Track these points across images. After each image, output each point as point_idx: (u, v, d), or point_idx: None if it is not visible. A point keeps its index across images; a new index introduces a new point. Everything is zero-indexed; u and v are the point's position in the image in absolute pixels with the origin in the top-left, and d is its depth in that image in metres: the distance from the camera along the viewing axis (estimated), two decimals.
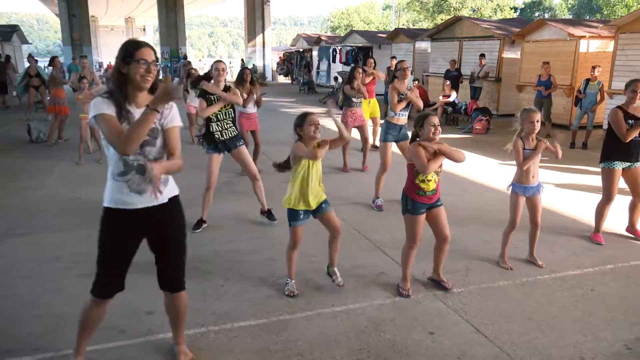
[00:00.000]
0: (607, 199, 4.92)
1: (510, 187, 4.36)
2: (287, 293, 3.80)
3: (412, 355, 3.10)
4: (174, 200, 2.77)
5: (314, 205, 3.72)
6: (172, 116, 2.66)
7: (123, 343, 3.19)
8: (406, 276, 3.91)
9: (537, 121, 4.15)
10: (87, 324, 2.82)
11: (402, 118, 6.01)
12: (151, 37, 61.04)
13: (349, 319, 3.51)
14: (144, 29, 58.11)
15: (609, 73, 11.24)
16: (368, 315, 3.56)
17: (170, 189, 2.74)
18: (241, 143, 5.40)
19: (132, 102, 2.55)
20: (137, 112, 2.53)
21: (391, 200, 6.28)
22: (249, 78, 7.54)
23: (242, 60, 33.26)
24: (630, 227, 5.12)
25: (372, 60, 9.57)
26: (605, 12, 35.95)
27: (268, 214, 5.51)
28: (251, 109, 7.68)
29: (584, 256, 4.65)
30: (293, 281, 3.87)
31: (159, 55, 35.11)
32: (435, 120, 3.65)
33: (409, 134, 6.05)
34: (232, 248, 4.81)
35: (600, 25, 12.43)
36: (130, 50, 2.49)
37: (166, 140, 2.64)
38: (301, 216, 3.72)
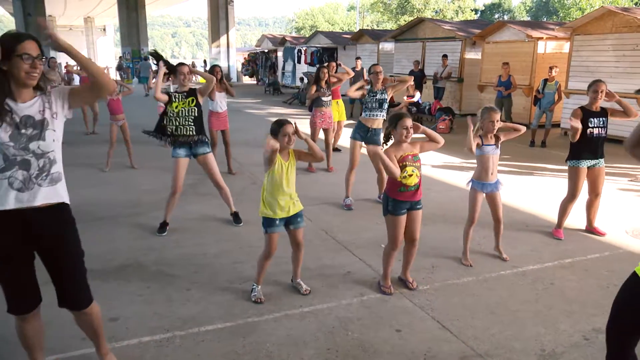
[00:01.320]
0: (571, 196, 5.07)
1: (470, 184, 4.47)
2: (253, 300, 3.76)
3: (380, 354, 3.13)
4: (60, 207, 2.50)
5: (287, 210, 3.67)
6: (59, 93, 2.48)
7: (86, 351, 3.10)
8: (387, 274, 3.95)
9: (497, 121, 4.26)
10: (28, 342, 2.66)
11: (370, 119, 6.00)
12: (112, 37, 59.73)
13: (317, 319, 3.52)
14: (104, 29, 56.77)
15: (566, 73, 11.61)
16: (336, 315, 3.58)
17: (54, 193, 2.48)
18: (208, 150, 5.27)
19: (15, 98, 2.35)
20: (22, 108, 2.37)
21: (359, 199, 6.32)
22: (219, 75, 7.47)
23: (205, 61, 32.89)
24: (589, 225, 5.30)
25: (334, 64, 9.61)
26: (561, 15, 37.12)
27: (235, 217, 5.47)
28: (221, 107, 7.62)
29: (544, 251, 4.80)
30: (260, 287, 3.83)
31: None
32: (409, 122, 3.67)
33: (380, 139, 6.13)
34: (198, 251, 4.75)
35: (557, 27, 12.84)
36: (11, 44, 2.26)
37: (83, 92, 2.54)
38: (277, 222, 3.67)
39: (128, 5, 29.79)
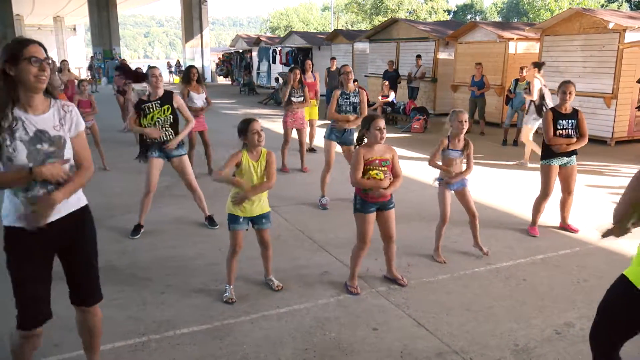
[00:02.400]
0: (544, 194, 5.17)
1: (436, 182, 4.54)
2: (225, 300, 3.74)
3: (357, 352, 3.14)
4: (80, 210, 2.53)
5: (251, 211, 3.67)
6: (75, 121, 2.43)
7: (58, 357, 3.04)
8: (354, 274, 3.96)
9: (465, 121, 4.32)
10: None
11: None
12: (82, 37, 58.55)
13: (294, 319, 3.51)
14: (74, 29, 55.58)
15: None
16: (313, 315, 3.58)
17: (75, 201, 2.50)
18: (183, 152, 5.20)
19: (26, 108, 2.29)
20: (34, 119, 2.29)
21: (334, 199, 6.34)
22: (195, 77, 7.39)
23: (178, 61, 32.54)
24: (563, 222, 5.42)
25: (309, 62, 9.63)
26: (531, 16, 37.87)
27: (209, 220, 5.41)
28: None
29: (517, 248, 4.89)
30: (232, 287, 3.82)
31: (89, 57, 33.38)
32: (382, 123, 3.68)
33: (354, 138, 6.19)
34: (173, 253, 4.69)
35: (527, 28, 13.10)
36: (17, 48, 2.23)
37: (73, 149, 2.42)
38: (240, 220, 3.68)
39: (98, 4, 29.23)
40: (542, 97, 8.06)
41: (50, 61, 2.36)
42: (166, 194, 6.59)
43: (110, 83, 24.47)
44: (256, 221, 3.75)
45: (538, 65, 8.51)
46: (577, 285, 4.08)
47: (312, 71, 9.64)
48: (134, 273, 4.24)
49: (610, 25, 10.15)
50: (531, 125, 8.39)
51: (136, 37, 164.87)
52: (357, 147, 3.85)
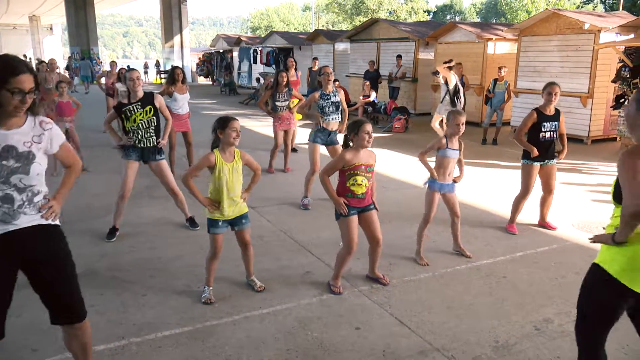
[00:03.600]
0: (524, 192, 5.23)
1: (427, 184, 4.53)
2: (203, 301, 3.72)
3: (340, 352, 3.15)
4: (46, 225, 2.43)
5: (230, 213, 3.65)
6: (52, 139, 2.41)
7: None
8: (338, 275, 3.96)
9: (463, 124, 4.32)
10: None
11: (332, 122, 6.10)
12: (59, 36, 57.62)
13: (277, 320, 3.51)
14: (51, 28, 54.60)
15: (514, 73, 12.02)
16: (295, 315, 3.57)
17: (40, 217, 2.42)
18: (161, 157, 5.10)
19: (1, 125, 2.27)
20: (4, 134, 2.25)
21: (317, 199, 6.34)
22: (180, 77, 7.31)
23: (157, 61, 32.23)
24: (542, 220, 5.50)
25: (292, 60, 9.61)
26: (509, 17, 38.40)
27: (190, 222, 5.36)
28: (183, 110, 7.46)
29: (497, 245, 4.95)
30: (211, 288, 3.79)
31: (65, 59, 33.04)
32: (369, 127, 3.68)
33: (339, 139, 6.23)
34: (153, 255, 4.64)
35: (505, 29, 13.27)
36: (4, 74, 2.16)
37: (59, 159, 2.53)
38: (220, 224, 3.66)
39: (75, 3, 28.81)
40: (456, 90, 9.22)
41: (36, 92, 2.30)
42: (145, 195, 6.52)
43: (81, 80, 24.68)
44: (235, 222, 3.73)
45: (449, 64, 9.30)
46: (555, 282, 4.15)
47: (295, 69, 9.61)
48: (114, 276, 4.19)
49: (586, 26, 10.34)
50: (442, 114, 9.18)
51: (115, 36, 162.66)
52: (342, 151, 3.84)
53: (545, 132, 5.04)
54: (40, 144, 2.36)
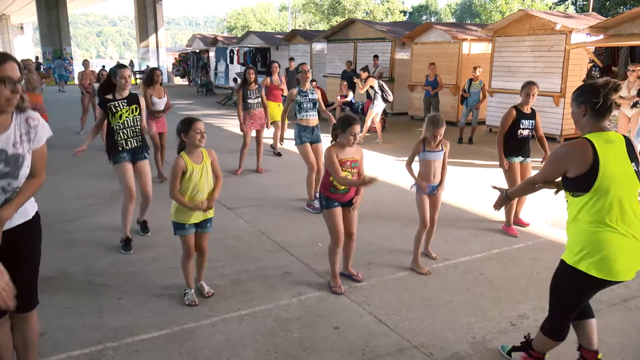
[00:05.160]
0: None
1: (414, 187, 4.45)
2: (187, 303, 3.68)
3: (319, 351, 3.15)
4: (29, 223, 2.40)
5: (197, 217, 3.60)
6: (39, 135, 2.32)
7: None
8: (335, 273, 3.97)
9: (440, 135, 4.26)
10: None
11: (311, 119, 6.10)
12: (30, 36, 56.36)
13: (256, 321, 3.49)
14: (22, 28, 53.43)
15: (489, 73, 12.20)
16: (275, 316, 3.56)
17: (22, 213, 2.35)
18: (147, 156, 4.99)
19: None
20: None
21: (295, 200, 6.34)
22: (160, 79, 7.19)
23: (131, 61, 31.79)
24: (515, 217, 5.58)
25: (276, 64, 9.52)
26: (483, 17, 38.96)
27: (142, 225, 5.20)
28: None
29: (473, 243, 5.01)
30: (192, 290, 3.76)
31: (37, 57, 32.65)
32: (357, 130, 3.71)
33: (321, 135, 6.26)
34: (129, 258, 4.57)
35: (479, 29, 13.45)
36: None
37: (32, 159, 2.32)
38: (187, 226, 3.61)
39: (47, 3, 28.24)
40: (383, 89, 10.54)
41: (23, 79, 2.24)
42: (120, 196, 6.41)
43: (60, 81, 24.28)
44: (201, 224, 3.67)
45: (368, 70, 11.20)
46: (530, 278, 4.23)
47: (278, 74, 9.52)
48: (89, 280, 4.11)
49: (558, 27, 10.55)
50: (376, 111, 10.69)
51: (88, 36, 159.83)
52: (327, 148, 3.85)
53: (523, 129, 5.16)
54: (29, 143, 2.28)
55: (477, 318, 3.56)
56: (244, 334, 3.32)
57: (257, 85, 7.71)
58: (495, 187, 3.15)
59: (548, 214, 5.92)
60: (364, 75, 10.89)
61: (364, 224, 5.44)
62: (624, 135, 2.64)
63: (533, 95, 5.07)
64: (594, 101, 2.53)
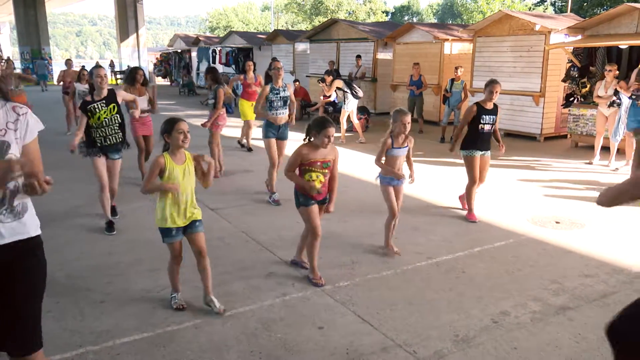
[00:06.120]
0: (472, 181, 5.59)
1: (378, 179, 4.68)
2: (175, 307, 3.62)
3: (303, 351, 3.15)
4: (26, 242, 2.16)
5: (182, 219, 3.48)
6: (30, 126, 2.15)
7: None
8: (314, 268, 4.04)
9: (408, 123, 4.44)
10: None
11: (280, 117, 6.16)
12: (8, 35, 55.31)
13: (239, 322, 3.48)
14: None
15: (470, 73, 12.31)
16: (258, 316, 3.55)
17: (21, 229, 2.14)
18: (119, 156, 5.29)
19: None
20: None
21: (278, 199, 6.32)
22: (142, 79, 7.08)
23: (112, 62, 31.42)
24: (467, 209, 5.74)
25: (250, 63, 9.55)
26: (465, 18, 39.31)
27: (108, 225, 5.21)
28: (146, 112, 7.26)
29: (456, 241, 5.06)
30: (179, 294, 3.69)
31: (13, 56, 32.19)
32: (332, 132, 3.76)
33: (288, 133, 6.33)
34: (111, 261, 4.52)
35: (461, 30, 13.58)
36: None
37: (25, 156, 2.12)
38: (173, 232, 3.48)
39: (25, 2, 27.78)
40: (351, 87, 10.76)
41: (3, 61, 2.14)
42: (96, 197, 6.32)
43: (42, 81, 24.05)
44: (189, 226, 3.53)
45: (332, 74, 11.78)
46: (511, 275, 4.28)
47: (253, 72, 9.55)
48: (71, 283, 4.05)
49: (537, 28, 10.70)
50: (350, 109, 10.87)
51: (67, 36, 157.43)
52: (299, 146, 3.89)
53: (484, 124, 5.46)
54: (16, 131, 2.09)
55: (459, 315, 3.59)
56: (227, 336, 3.31)
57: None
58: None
59: (529, 212, 6.00)
60: (329, 79, 11.33)
61: (348, 223, 5.46)
62: None
63: (496, 92, 5.39)
64: None
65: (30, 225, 2.21)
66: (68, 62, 12.78)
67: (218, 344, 3.21)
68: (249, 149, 9.66)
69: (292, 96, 6.40)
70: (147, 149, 7.30)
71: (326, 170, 3.82)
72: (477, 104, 5.50)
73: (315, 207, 3.93)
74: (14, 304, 2.14)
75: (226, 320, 3.49)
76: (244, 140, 9.89)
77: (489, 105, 5.46)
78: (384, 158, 4.59)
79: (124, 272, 4.29)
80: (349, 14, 46.50)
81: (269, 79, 6.32)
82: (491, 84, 5.40)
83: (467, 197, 5.67)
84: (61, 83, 12.21)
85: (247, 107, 9.15)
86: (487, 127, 5.46)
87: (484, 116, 5.42)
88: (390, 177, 4.57)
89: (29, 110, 2.20)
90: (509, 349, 3.18)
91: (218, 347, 3.17)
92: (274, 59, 15.33)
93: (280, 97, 6.12)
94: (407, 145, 4.58)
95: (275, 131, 6.20)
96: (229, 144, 9.51)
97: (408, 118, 4.47)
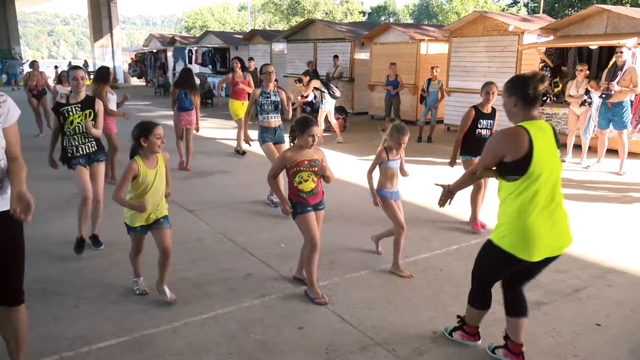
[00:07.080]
0: (477, 187, 5.31)
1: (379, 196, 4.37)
2: (137, 292, 3.66)
3: (283, 352, 3.14)
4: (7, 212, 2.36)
5: (148, 218, 3.55)
6: (10, 111, 2.39)
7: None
8: (313, 282, 3.80)
9: (404, 143, 4.27)
10: None
11: (272, 121, 6.07)
12: None
13: (218, 324, 3.45)
14: None
15: (446, 73, 12.45)
16: (237, 318, 3.53)
17: (5, 203, 2.42)
18: (102, 158, 4.82)
19: None
20: None
21: (257, 201, 6.30)
22: (112, 77, 7.00)
23: (85, 61, 30.87)
24: (473, 218, 5.60)
25: (236, 61, 9.53)
26: (440, 18, 39.76)
27: (94, 239, 4.83)
28: (114, 109, 7.13)
29: (433, 240, 5.11)
30: (142, 278, 3.75)
31: None
32: (316, 131, 3.66)
33: (286, 137, 6.24)
34: (86, 265, 4.44)
35: (436, 30, 13.72)
36: None
37: (6, 140, 2.39)
38: (138, 229, 3.57)
39: None
40: (329, 87, 10.93)
41: None
42: (74, 201, 6.21)
43: (9, 79, 23.90)
44: (155, 223, 3.58)
45: (309, 74, 12.05)
46: None
47: (241, 69, 9.53)
48: (43, 288, 3.97)
49: (510, 28, 10.88)
50: (327, 109, 10.94)
51: (39, 35, 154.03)
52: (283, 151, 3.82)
53: (481, 129, 5.22)
54: (0, 116, 2.32)
55: (437, 313, 3.63)
56: (206, 338, 3.28)
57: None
58: (437, 184, 3.30)
59: None
60: (306, 79, 11.57)
61: (327, 223, 5.45)
62: (550, 124, 2.85)
63: (493, 93, 5.15)
64: (524, 92, 2.74)
65: (7, 199, 2.46)
66: (33, 64, 11.95)
67: (197, 347, 3.18)
68: (243, 152, 9.42)
69: (285, 104, 6.24)
70: (114, 145, 7.23)
71: (316, 169, 3.71)
72: (474, 107, 5.23)
73: (312, 215, 3.73)
74: (5, 262, 2.48)
75: (205, 323, 3.46)
76: (238, 147, 9.68)
77: (487, 109, 5.23)
78: (378, 170, 4.38)
79: (100, 275, 4.21)
80: (326, 14, 46.57)
81: (260, 83, 6.22)
82: (487, 85, 5.17)
83: (471, 205, 5.40)
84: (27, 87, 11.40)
85: (238, 106, 9.09)
86: (484, 132, 5.20)
87: (481, 120, 5.19)
88: (388, 192, 4.33)
89: (7, 96, 2.43)
90: (485, 344, 3.22)
91: (197, 351, 3.14)
92: (251, 59, 15.32)
93: (271, 101, 6.01)
94: (400, 156, 4.40)
95: (271, 135, 6.08)
96: (226, 150, 9.41)
97: (406, 138, 4.24)
